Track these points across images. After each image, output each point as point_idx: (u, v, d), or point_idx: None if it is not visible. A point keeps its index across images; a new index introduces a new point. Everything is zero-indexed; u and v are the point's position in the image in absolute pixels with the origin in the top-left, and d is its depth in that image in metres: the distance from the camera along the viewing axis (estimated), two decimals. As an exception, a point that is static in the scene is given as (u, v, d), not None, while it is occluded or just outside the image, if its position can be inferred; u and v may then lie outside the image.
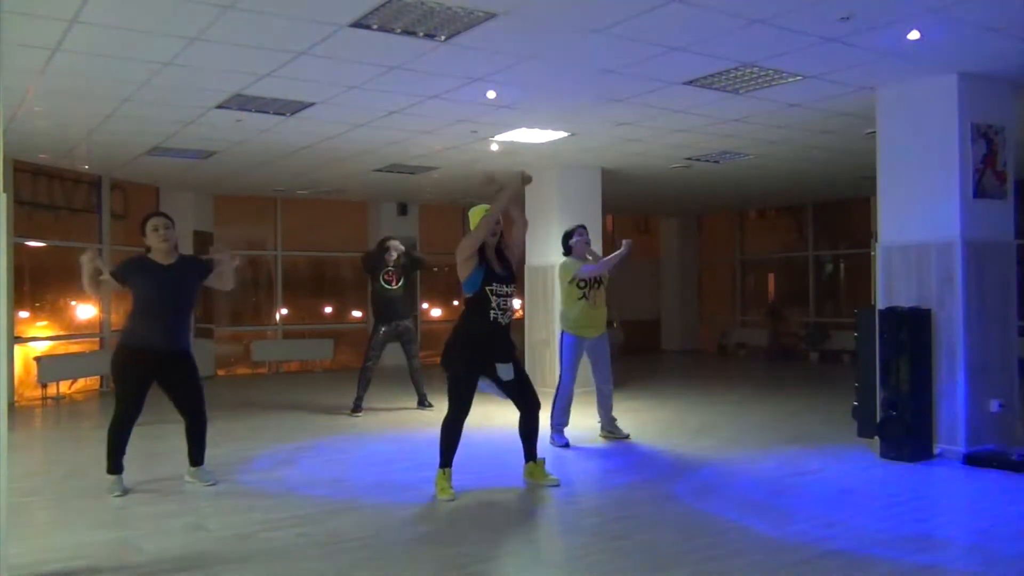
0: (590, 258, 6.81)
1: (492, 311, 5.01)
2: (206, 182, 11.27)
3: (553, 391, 6.69)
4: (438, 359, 5.24)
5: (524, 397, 5.23)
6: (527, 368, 10.01)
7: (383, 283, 8.27)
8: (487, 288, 5.00)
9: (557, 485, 5.22)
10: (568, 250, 6.74)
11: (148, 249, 5.16)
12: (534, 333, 10.35)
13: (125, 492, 5.09)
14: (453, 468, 5.05)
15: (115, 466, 5.14)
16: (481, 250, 5.04)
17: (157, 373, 5.12)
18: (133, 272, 5.13)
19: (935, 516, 4.79)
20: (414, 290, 8.59)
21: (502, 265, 5.13)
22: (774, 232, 16.49)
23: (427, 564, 3.85)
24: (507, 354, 5.09)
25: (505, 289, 5.05)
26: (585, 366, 6.77)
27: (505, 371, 5.04)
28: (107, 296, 5.01)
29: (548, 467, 5.41)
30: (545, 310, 10.04)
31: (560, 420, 6.60)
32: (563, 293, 6.67)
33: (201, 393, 5.33)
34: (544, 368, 9.84)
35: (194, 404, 5.28)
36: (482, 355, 5.03)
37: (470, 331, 5.07)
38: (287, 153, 9.11)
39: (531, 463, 5.33)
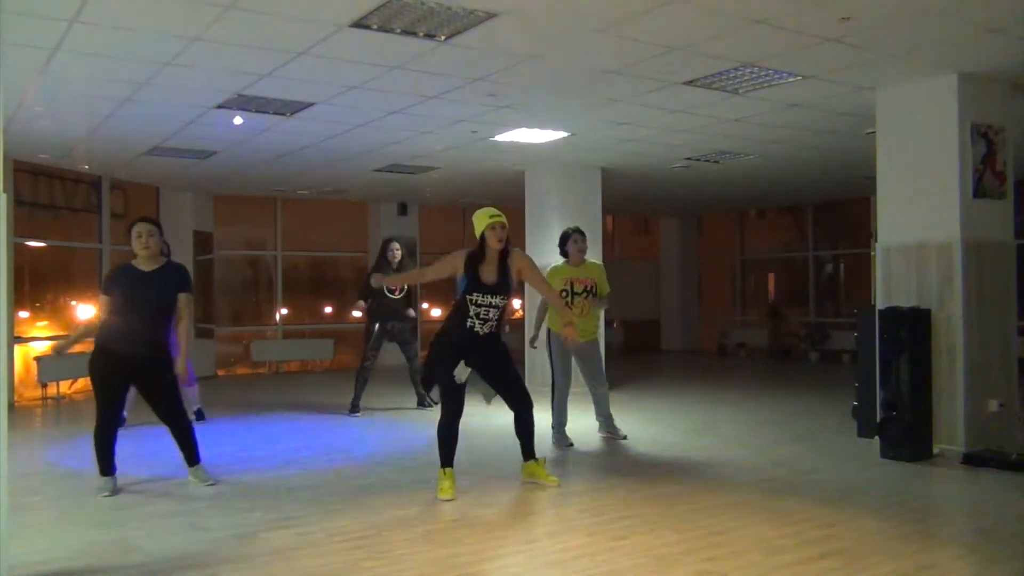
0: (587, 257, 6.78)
1: (469, 319, 4.99)
2: (206, 182, 11.27)
3: (549, 390, 6.69)
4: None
5: (514, 397, 5.22)
6: (526, 367, 10.05)
7: (386, 290, 8.23)
8: (467, 297, 4.99)
9: (557, 485, 5.22)
10: (564, 253, 6.69)
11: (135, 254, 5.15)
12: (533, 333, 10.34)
13: (115, 492, 5.08)
14: (454, 468, 5.05)
15: (106, 469, 5.13)
16: (475, 258, 5.02)
17: (129, 376, 5.10)
18: (116, 282, 5.11)
19: (935, 516, 4.79)
20: (415, 291, 8.55)
21: (499, 275, 5.04)
22: (774, 232, 16.49)
23: (427, 564, 3.85)
24: (483, 358, 5.04)
25: (488, 299, 4.97)
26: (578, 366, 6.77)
27: (460, 372, 4.96)
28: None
29: (550, 467, 5.42)
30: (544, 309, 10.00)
31: (559, 420, 6.60)
32: None
33: (176, 398, 5.25)
34: (545, 367, 9.81)
35: (170, 411, 5.21)
36: (460, 358, 4.99)
37: (448, 336, 5.07)
38: (287, 153, 9.11)
39: (531, 462, 5.32)
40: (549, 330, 6.67)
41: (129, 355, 5.01)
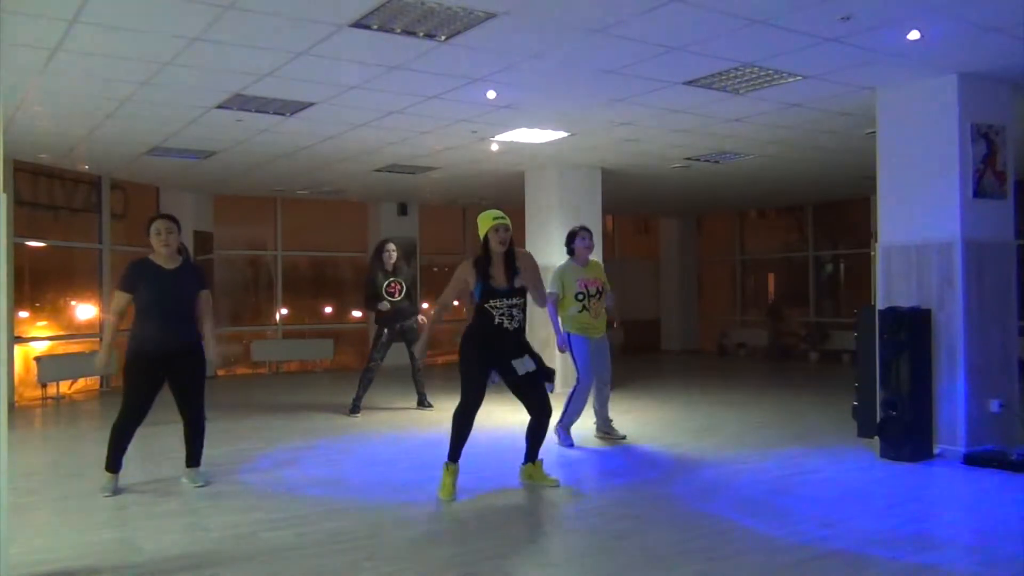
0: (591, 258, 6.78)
1: (497, 319, 4.98)
2: (206, 182, 11.27)
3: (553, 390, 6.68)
4: (439, 359, 5.21)
5: (535, 404, 5.19)
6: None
7: (386, 295, 8.23)
8: (485, 304, 4.98)
9: (556, 486, 5.21)
10: (571, 251, 6.71)
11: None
12: (535, 333, 10.33)
13: (116, 492, 5.09)
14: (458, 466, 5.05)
15: (114, 464, 5.14)
16: (482, 262, 5.01)
17: (167, 371, 5.13)
18: (138, 278, 5.12)
19: (935, 516, 4.79)
20: (415, 290, 8.52)
21: (508, 275, 5.02)
22: (774, 232, 16.49)
23: (427, 564, 3.85)
24: (509, 355, 5.03)
25: (506, 303, 4.98)
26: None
27: (521, 364, 4.97)
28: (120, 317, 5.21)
29: (549, 467, 5.41)
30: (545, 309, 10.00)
31: (571, 418, 6.59)
32: (564, 297, 6.62)
33: (202, 395, 5.33)
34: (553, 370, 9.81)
35: (193, 405, 5.27)
36: (492, 351, 5.00)
37: (480, 331, 5.04)
38: (287, 153, 9.11)
39: (529, 464, 5.32)
40: (569, 333, 6.62)
41: (165, 353, 5.06)
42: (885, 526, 4.38)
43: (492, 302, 4.97)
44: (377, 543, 4.15)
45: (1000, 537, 4.27)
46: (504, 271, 5.02)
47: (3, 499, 3.31)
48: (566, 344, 6.59)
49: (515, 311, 5.01)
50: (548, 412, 5.22)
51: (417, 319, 8.49)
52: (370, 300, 8.37)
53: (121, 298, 5.13)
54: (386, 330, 8.29)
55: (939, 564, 3.80)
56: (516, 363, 4.99)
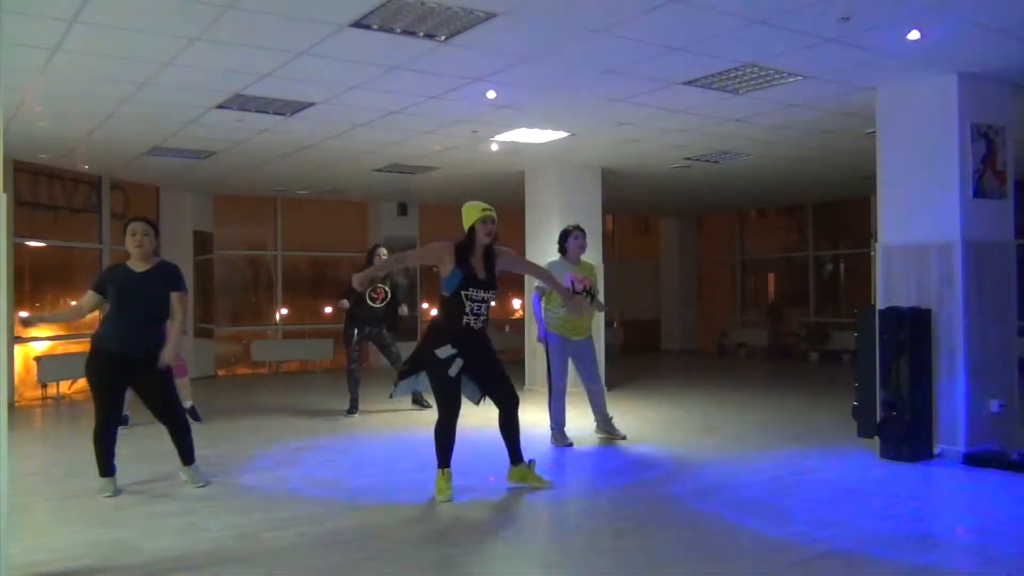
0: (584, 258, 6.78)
1: (465, 316, 4.93)
2: (206, 182, 11.27)
3: (547, 391, 6.70)
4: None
5: (500, 394, 5.16)
6: (526, 368, 10.05)
7: (369, 298, 8.18)
8: (463, 292, 4.92)
9: (549, 487, 5.18)
10: (563, 250, 6.71)
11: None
12: (534, 332, 10.32)
13: (116, 493, 5.08)
14: (453, 468, 5.05)
15: (106, 469, 5.13)
16: (463, 251, 4.97)
17: (126, 377, 5.10)
18: (107, 280, 5.11)
19: (935, 516, 4.79)
20: (400, 299, 8.44)
21: (487, 269, 5.02)
22: (774, 232, 16.49)
23: (427, 564, 3.85)
24: (475, 354, 4.99)
25: (482, 295, 4.95)
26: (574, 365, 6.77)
27: (455, 367, 4.92)
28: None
29: (549, 467, 5.41)
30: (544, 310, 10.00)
31: (558, 420, 6.60)
32: (550, 293, 6.62)
33: (173, 400, 5.26)
34: (544, 367, 9.81)
35: (166, 412, 5.21)
36: (460, 354, 4.95)
37: (444, 333, 5.00)
38: (287, 153, 9.11)
39: (521, 466, 5.23)
40: (548, 332, 6.67)
41: (123, 355, 5.01)
42: (885, 526, 4.37)
43: (471, 291, 4.92)
44: (377, 543, 4.15)
45: (1000, 537, 4.27)
46: (483, 263, 5.01)
47: (3, 499, 3.31)
48: (543, 339, 6.69)
49: (484, 308, 4.98)
50: (514, 401, 5.18)
51: (388, 323, 8.47)
52: (346, 291, 8.25)
53: (88, 295, 5.14)
54: (356, 330, 8.28)
55: (939, 564, 3.80)
56: (446, 357, 4.91)
